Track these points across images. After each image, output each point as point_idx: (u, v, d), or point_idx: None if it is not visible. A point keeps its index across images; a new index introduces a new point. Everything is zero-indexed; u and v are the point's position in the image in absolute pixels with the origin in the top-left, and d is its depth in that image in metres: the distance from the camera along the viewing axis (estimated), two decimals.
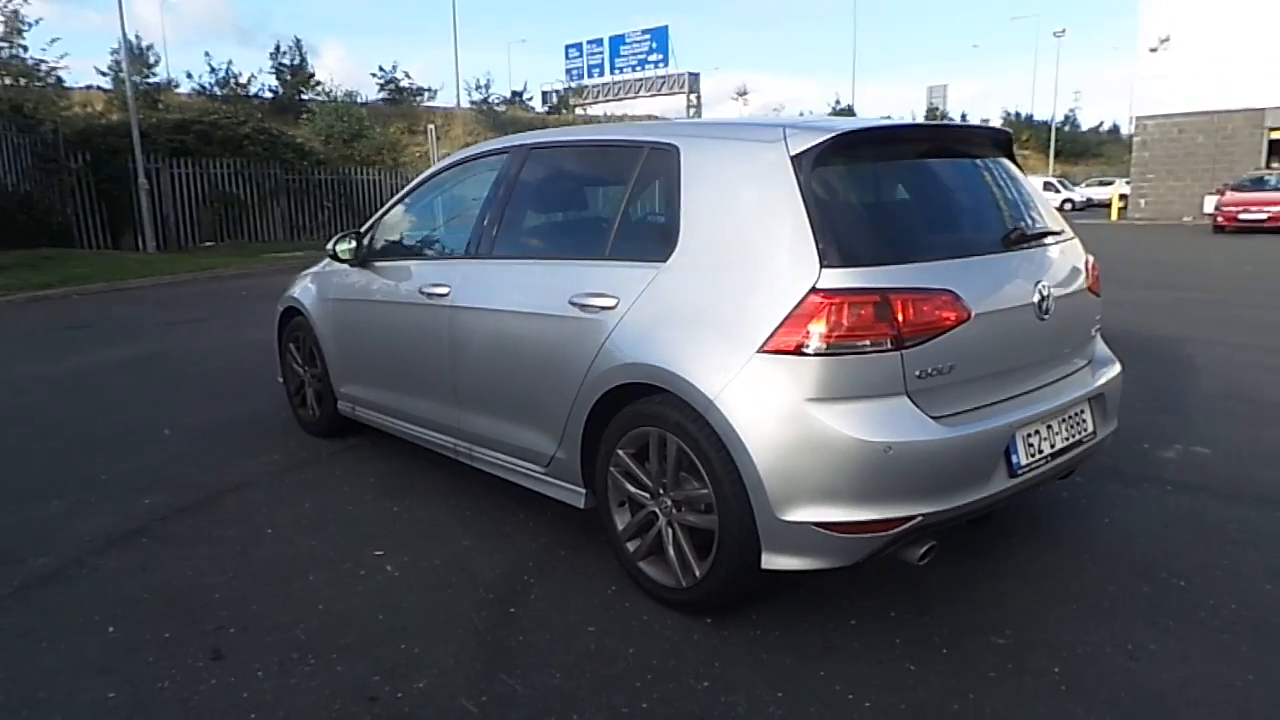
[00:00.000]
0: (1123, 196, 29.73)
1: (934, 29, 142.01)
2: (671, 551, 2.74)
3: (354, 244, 4.12)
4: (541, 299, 3.09)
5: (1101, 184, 49.68)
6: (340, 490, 4.00)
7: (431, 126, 19.36)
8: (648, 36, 54.00)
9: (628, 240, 2.96)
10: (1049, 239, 2.95)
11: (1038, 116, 68.69)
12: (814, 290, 2.38)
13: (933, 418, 2.42)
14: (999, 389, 2.64)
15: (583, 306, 2.92)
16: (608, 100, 53.31)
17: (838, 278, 2.38)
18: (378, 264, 4.11)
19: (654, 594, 2.84)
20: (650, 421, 2.72)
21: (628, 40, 54.46)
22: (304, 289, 4.69)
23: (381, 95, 35.83)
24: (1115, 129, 79.22)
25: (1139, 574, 2.99)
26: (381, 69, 36.67)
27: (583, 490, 3.09)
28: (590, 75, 55.10)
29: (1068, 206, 43.46)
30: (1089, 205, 45.28)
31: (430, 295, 3.61)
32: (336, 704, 2.35)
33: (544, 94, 54.58)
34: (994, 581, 2.96)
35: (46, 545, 3.43)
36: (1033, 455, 2.64)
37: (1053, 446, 2.73)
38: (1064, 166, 59.48)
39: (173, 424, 5.15)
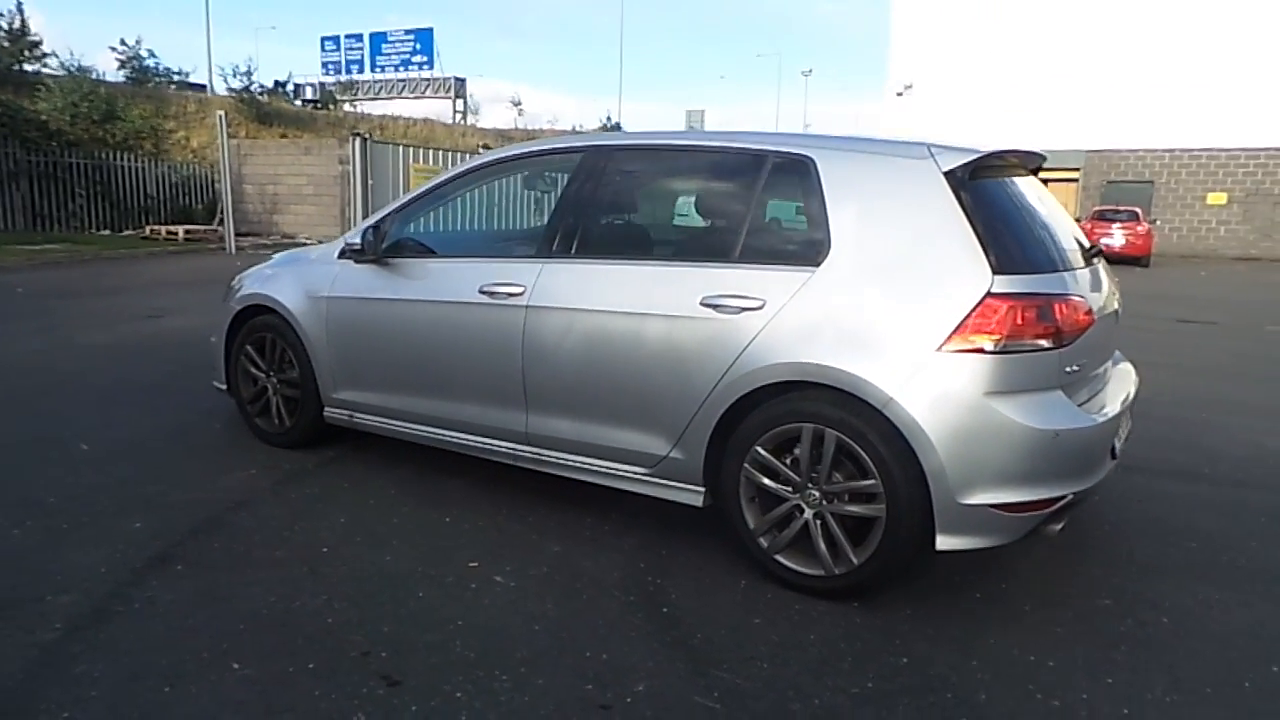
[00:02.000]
0: None
1: (689, 58, 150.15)
2: (821, 542, 2.87)
3: (367, 239, 3.82)
4: (664, 300, 3.11)
5: None
6: (367, 503, 3.71)
7: (221, 113, 17.56)
8: (411, 37, 52.63)
9: (761, 245, 3.06)
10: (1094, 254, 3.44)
11: None
12: (989, 295, 2.64)
13: (1078, 407, 2.77)
14: (1098, 384, 3.06)
15: (718, 308, 2.98)
16: (368, 99, 51.27)
17: (1007, 284, 2.66)
18: (403, 261, 3.85)
19: (793, 584, 2.96)
20: (804, 418, 2.85)
21: (390, 38, 52.76)
22: (278, 285, 4.26)
23: (124, 74, 31.83)
24: None
25: (1170, 543, 3.53)
26: (124, 43, 32.50)
27: (701, 489, 3.14)
28: (349, 71, 52.77)
29: None
30: None
31: (495, 295, 3.47)
32: (575, 717, 2.27)
33: (297, 86, 51.10)
34: (1064, 554, 3.37)
35: (52, 581, 2.91)
36: (1119, 441, 3.09)
37: (1124, 435, 3.19)
38: None
39: (77, 438, 4.45)
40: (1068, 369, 2.76)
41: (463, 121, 51.91)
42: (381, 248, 3.86)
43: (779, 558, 2.98)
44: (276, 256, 4.78)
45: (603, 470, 3.36)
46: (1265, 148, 24.94)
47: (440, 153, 22.67)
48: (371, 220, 3.99)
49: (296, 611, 2.77)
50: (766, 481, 2.97)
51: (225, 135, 17.21)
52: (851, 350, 2.76)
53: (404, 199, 4.02)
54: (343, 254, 4.05)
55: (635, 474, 3.27)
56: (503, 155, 3.84)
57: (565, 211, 3.46)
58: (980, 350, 2.63)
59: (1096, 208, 23.95)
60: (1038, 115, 27.16)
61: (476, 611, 2.81)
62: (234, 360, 4.50)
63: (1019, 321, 2.64)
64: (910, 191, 2.84)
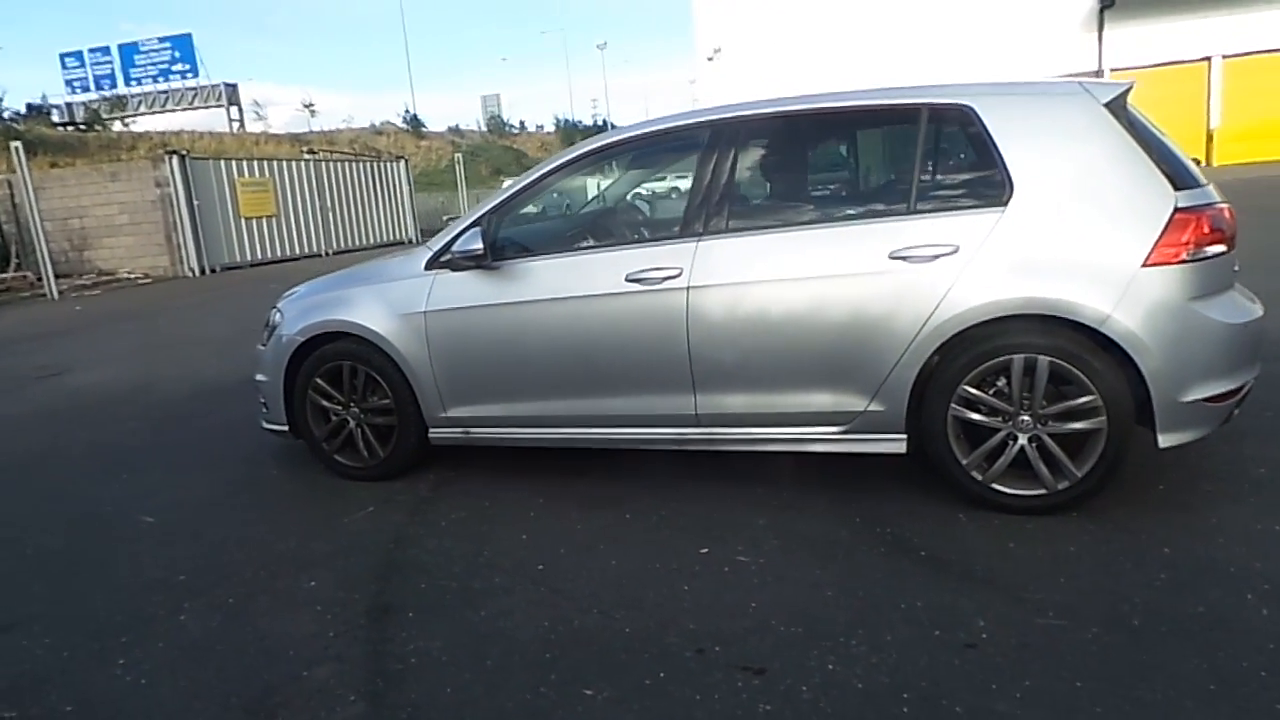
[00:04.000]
0: None
1: (475, 43, 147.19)
2: (1041, 463, 3.07)
3: (482, 244, 3.62)
4: (847, 260, 3.17)
5: (658, 179, 56.32)
6: (528, 516, 3.56)
7: (16, 145, 15.44)
8: (168, 45, 48.85)
9: (935, 194, 3.19)
10: None
11: (579, 122, 75.10)
12: (1178, 210, 2.90)
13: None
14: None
15: (909, 259, 3.09)
16: (131, 115, 46.98)
17: (1187, 198, 2.94)
18: (514, 263, 3.68)
19: (1012, 508, 3.14)
20: (1013, 350, 3.02)
21: (143, 48, 48.75)
22: (353, 308, 3.95)
23: None
24: None
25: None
26: None
27: (903, 436, 3.25)
28: (100, 87, 48.21)
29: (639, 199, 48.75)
30: (655, 196, 50.97)
31: (646, 281, 3.41)
32: (953, 659, 2.34)
33: (50, 108, 45.73)
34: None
35: (304, 659, 2.63)
36: None
37: None
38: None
39: (129, 513, 3.96)
40: (1235, 268, 3.09)
41: (241, 129, 48.63)
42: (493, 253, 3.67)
43: (996, 485, 3.15)
44: (312, 283, 4.42)
45: (787, 437, 3.41)
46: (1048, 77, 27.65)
47: (267, 163, 21.15)
48: (464, 225, 3.78)
49: (587, 629, 2.66)
50: (976, 416, 3.13)
51: (26, 169, 15.25)
52: (1060, 278, 2.95)
53: (499, 198, 3.82)
54: (434, 264, 3.81)
55: (828, 434, 3.34)
56: (615, 139, 3.73)
57: (706, 188, 3.43)
58: (1181, 260, 2.89)
59: None
60: (846, 76, 28.80)
61: (757, 591, 2.80)
62: (297, 397, 4.14)
63: (1205, 231, 2.92)
64: (1078, 125, 3.05)
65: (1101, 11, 26.09)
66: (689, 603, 2.77)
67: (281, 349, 4.12)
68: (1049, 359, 2.98)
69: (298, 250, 21.54)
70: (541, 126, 74.92)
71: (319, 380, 4.08)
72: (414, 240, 25.82)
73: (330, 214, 22.61)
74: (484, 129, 68.20)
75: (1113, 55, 25.90)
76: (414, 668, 2.53)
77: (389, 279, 3.98)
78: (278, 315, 4.26)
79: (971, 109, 3.14)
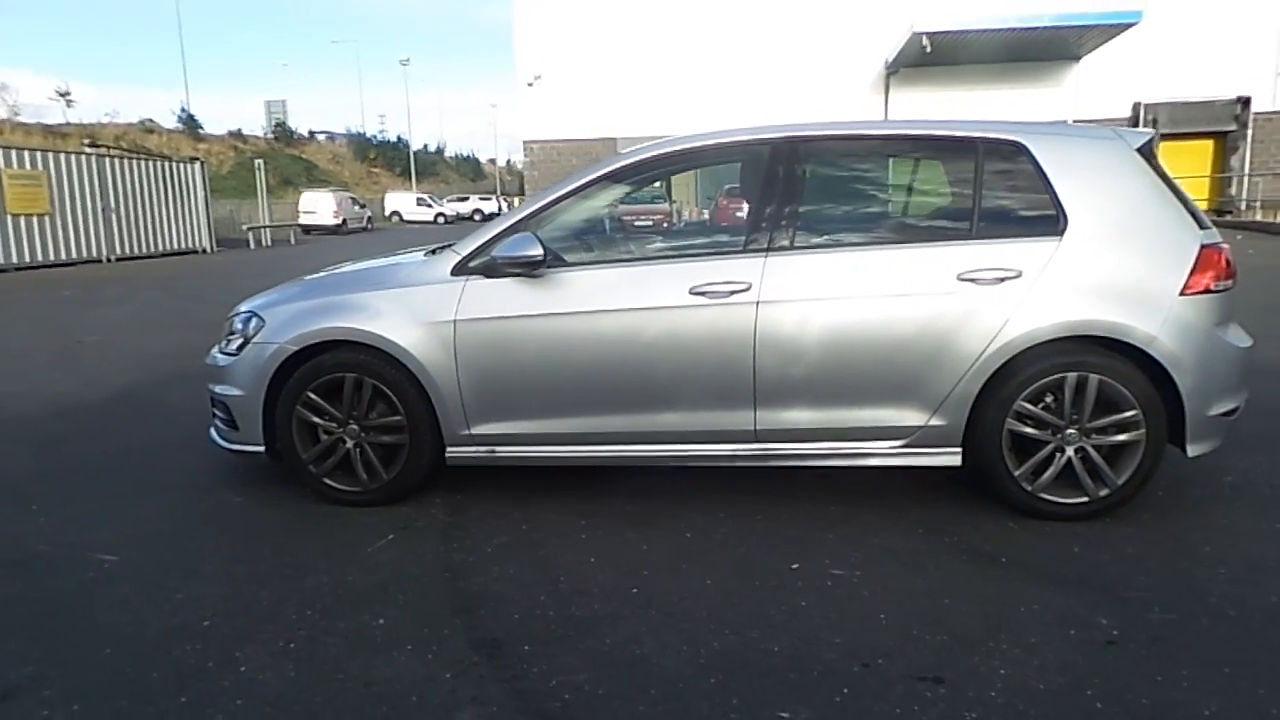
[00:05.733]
0: None
1: (261, 46, 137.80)
2: (1084, 472, 3.34)
3: (541, 250, 3.41)
4: (917, 280, 3.30)
5: (459, 200, 55.54)
6: (579, 539, 3.37)
7: None
8: None
9: (995, 221, 3.38)
10: None
11: (377, 135, 72.44)
12: (1204, 246, 3.29)
13: None
14: None
15: (976, 281, 3.27)
16: None
17: (1208, 237, 3.34)
18: (571, 272, 3.49)
19: (1056, 515, 3.38)
20: (1067, 368, 3.27)
21: None
22: (364, 315, 3.57)
23: None
24: (440, 150, 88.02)
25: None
26: None
27: (959, 450, 3.41)
28: None
29: (440, 220, 47.79)
30: (459, 218, 50.25)
31: (712, 295, 3.36)
32: (1103, 654, 2.49)
33: None
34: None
35: (432, 710, 2.33)
36: None
37: None
38: (405, 183, 63.73)
39: (77, 545, 3.34)
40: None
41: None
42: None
43: (1044, 495, 3.37)
44: (290, 287, 3.97)
45: (845, 452, 3.47)
46: None
47: (40, 154, 18.62)
48: (499, 228, 3.55)
49: (731, 651, 2.55)
50: (1030, 430, 3.34)
51: None
52: (1112, 303, 3.24)
53: (542, 201, 3.61)
54: (463, 269, 3.55)
55: (886, 449, 3.44)
56: (673, 149, 3.63)
57: (765, 204, 3.45)
58: (1208, 291, 3.27)
59: (727, 186, 27.14)
60: (664, 106, 29.95)
61: (875, 602, 2.82)
62: (280, 414, 3.67)
63: (1223, 265, 3.32)
64: (1116, 166, 3.37)
65: (888, 77, 28.92)
66: (817, 617, 2.74)
67: (265, 360, 3.64)
68: (1099, 377, 3.25)
69: (75, 254, 19.12)
70: (333, 138, 71.36)
71: (311, 395, 3.64)
72: (208, 250, 23.67)
73: (114, 216, 20.21)
74: (269, 135, 63.88)
75: (896, 116, 28.72)
76: (572, 704, 2.31)
77: (405, 284, 3.64)
78: (253, 322, 3.76)
79: (1024, 144, 3.39)
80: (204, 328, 9.21)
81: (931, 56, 25.28)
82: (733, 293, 3.36)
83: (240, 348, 3.77)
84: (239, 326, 3.86)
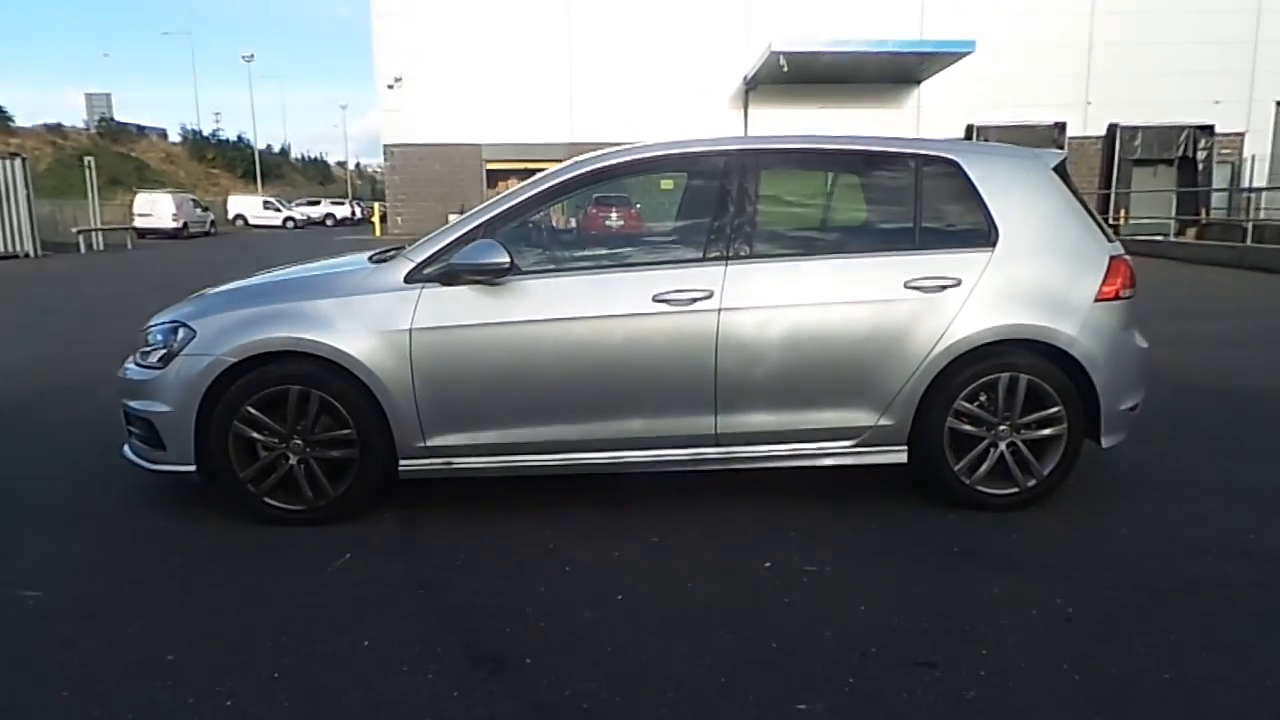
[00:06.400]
0: (383, 215, 32.89)
1: (72, 32, 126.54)
2: (1014, 465, 3.62)
3: (507, 257, 3.36)
4: (869, 288, 3.48)
5: (310, 204, 53.22)
6: (545, 546, 3.35)
7: None
8: None
9: (933, 233, 3.61)
10: None
11: (216, 134, 68.31)
12: (1113, 258, 3.65)
13: None
14: None
15: (921, 289, 3.49)
16: None
17: (1114, 249, 3.70)
18: (531, 279, 3.46)
19: (990, 505, 3.64)
20: (1002, 369, 3.54)
21: None
22: (311, 323, 3.40)
23: None
24: (284, 151, 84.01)
25: None
26: None
27: (904, 448, 3.62)
28: None
29: (290, 225, 45.64)
30: (309, 222, 48.11)
31: (675, 302, 3.43)
32: (1070, 633, 2.72)
33: None
34: None
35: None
36: None
37: None
38: (250, 186, 60.41)
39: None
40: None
41: None
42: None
43: (980, 487, 3.63)
44: (221, 295, 3.75)
45: (801, 453, 3.61)
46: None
47: None
48: (456, 234, 3.49)
49: (732, 649, 2.61)
50: (968, 428, 3.59)
51: None
52: (1038, 309, 3.53)
53: (502, 206, 3.55)
54: (419, 277, 3.46)
55: (839, 449, 3.60)
56: (637, 157, 3.65)
57: (724, 214, 3.54)
58: (1117, 297, 3.62)
59: (596, 195, 27.27)
60: (525, 111, 29.86)
61: (852, 595, 2.94)
62: (213, 430, 3.45)
63: (1128, 274, 3.69)
64: (1037, 183, 3.68)
65: (747, 92, 29.97)
66: (803, 612, 2.84)
67: (198, 373, 3.41)
68: (1028, 376, 3.54)
69: None
70: (165, 135, 66.62)
71: (249, 410, 3.44)
72: (32, 254, 21.60)
73: None
74: (93, 131, 58.93)
75: (755, 130, 29.80)
76: (594, 713, 2.31)
77: (354, 291, 3.50)
78: (180, 333, 3.51)
79: (957, 162, 3.64)
80: (61, 341, 8.48)
81: (788, 75, 26.38)
82: (695, 300, 3.43)
83: (163, 360, 3.52)
84: (158, 338, 3.60)
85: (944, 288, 3.50)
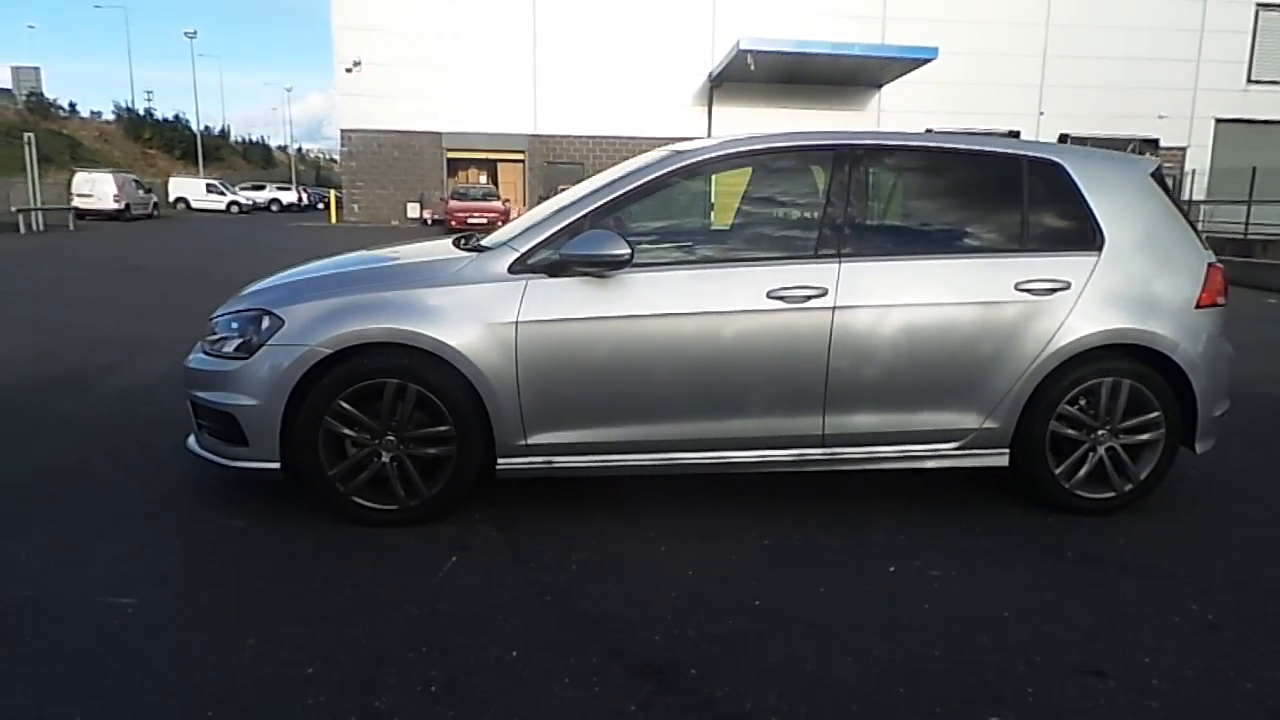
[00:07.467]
0: (339, 201, 32.02)
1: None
2: (1112, 469, 3.61)
3: (626, 249, 3.23)
4: (980, 289, 3.44)
5: (255, 188, 51.67)
6: (657, 550, 3.23)
7: None
8: None
9: (1041, 235, 3.57)
10: None
11: (153, 112, 65.82)
12: (1210, 265, 3.67)
13: None
14: None
15: (1032, 291, 3.47)
16: None
17: (1210, 256, 3.73)
18: (639, 273, 3.32)
19: (1085, 510, 3.62)
20: (1104, 373, 3.53)
21: None
22: (411, 315, 3.22)
23: None
24: (224, 133, 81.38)
25: None
26: None
27: (1007, 451, 3.59)
28: None
29: (235, 210, 44.26)
30: (255, 207, 46.73)
31: (789, 299, 3.34)
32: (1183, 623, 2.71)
33: None
34: None
35: None
36: None
37: None
38: (189, 168, 58.32)
39: (73, 587, 2.79)
40: None
41: None
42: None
43: (1078, 491, 3.62)
44: (300, 282, 3.54)
45: (906, 455, 3.55)
46: (669, 136, 30.86)
47: None
48: (562, 223, 3.34)
49: (896, 659, 2.53)
50: (1069, 432, 3.58)
51: None
52: (1143, 314, 3.53)
53: (608, 196, 3.40)
54: (523, 267, 3.30)
55: (943, 451, 3.55)
56: (738, 150, 3.54)
57: (833, 211, 3.46)
58: (1214, 304, 3.64)
59: (457, 188, 27.76)
60: (488, 100, 29.44)
61: (986, 601, 2.89)
62: (301, 425, 3.25)
63: (1223, 281, 3.72)
64: (1138, 187, 3.68)
65: (712, 89, 30.01)
66: (949, 619, 2.77)
67: (289, 365, 3.20)
68: (1130, 381, 3.54)
69: None
70: (99, 113, 63.94)
71: (343, 405, 3.24)
72: None
73: None
74: (21, 106, 56.25)
75: (719, 129, 29.88)
76: None
77: (453, 281, 3.32)
78: (265, 321, 3.29)
79: (1062, 165, 3.62)
80: (49, 329, 7.95)
81: (754, 74, 26.49)
82: (809, 297, 3.34)
83: (241, 350, 3.30)
84: (234, 327, 3.38)
85: (1054, 290, 3.47)
